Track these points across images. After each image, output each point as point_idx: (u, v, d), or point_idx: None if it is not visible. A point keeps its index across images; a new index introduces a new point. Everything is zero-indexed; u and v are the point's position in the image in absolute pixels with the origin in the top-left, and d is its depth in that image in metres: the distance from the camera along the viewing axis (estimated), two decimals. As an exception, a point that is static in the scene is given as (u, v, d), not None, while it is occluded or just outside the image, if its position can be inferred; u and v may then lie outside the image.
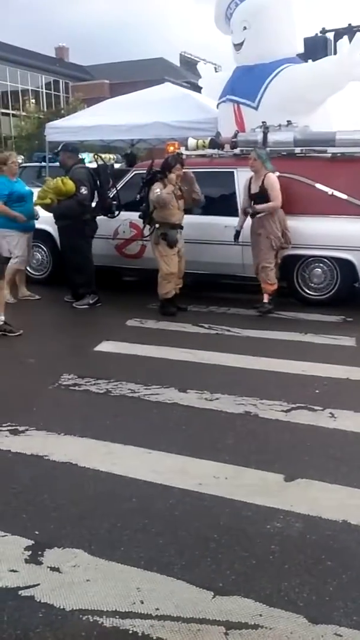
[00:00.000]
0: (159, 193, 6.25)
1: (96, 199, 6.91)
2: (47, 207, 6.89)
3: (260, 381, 4.56)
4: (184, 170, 6.46)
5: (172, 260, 6.48)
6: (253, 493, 2.95)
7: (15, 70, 41.69)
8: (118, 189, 7.23)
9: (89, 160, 7.90)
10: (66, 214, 6.77)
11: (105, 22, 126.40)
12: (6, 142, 38.66)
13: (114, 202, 7.04)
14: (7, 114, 40.59)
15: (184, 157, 6.83)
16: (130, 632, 2.09)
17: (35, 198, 6.97)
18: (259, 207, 6.37)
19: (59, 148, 7.31)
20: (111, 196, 7.06)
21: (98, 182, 6.86)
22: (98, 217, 7.01)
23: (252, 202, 6.46)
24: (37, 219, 7.18)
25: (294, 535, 2.63)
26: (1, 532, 2.66)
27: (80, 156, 7.36)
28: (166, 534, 2.64)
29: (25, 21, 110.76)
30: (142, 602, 2.22)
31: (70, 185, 6.63)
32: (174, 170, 6.35)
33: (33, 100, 41.83)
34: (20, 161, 18.73)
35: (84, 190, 6.68)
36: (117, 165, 12.46)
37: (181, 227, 6.51)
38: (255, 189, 6.44)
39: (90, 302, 6.95)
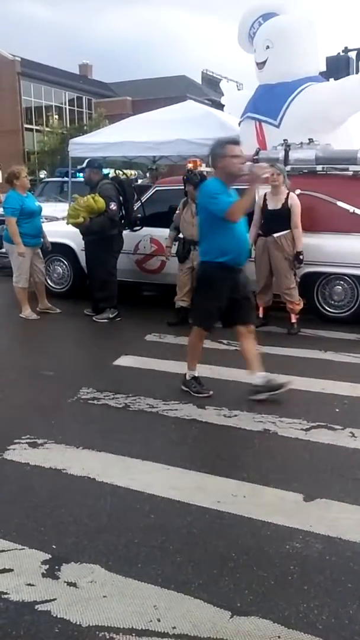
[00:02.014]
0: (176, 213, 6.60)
1: (121, 213, 6.98)
2: (79, 226, 6.93)
3: (279, 399, 4.52)
4: None
5: (181, 274, 6.66)
6: (272, 512, 2.93)
7: (40, 87, 42.34)
8: (142, 202, 7.31)
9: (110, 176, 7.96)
10: (98, 231, 6.83)
11: (128, 40, 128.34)
12: (29, 157, 39.26)
13: (139, 216, 7.09)
14: (31, 130, 41.20)
15: (204, 172, 6.90)
16: (147, 650, 2.07)
17: (66, 216, 7.05)
18: (298, 245, 6.28)
19: (84, 164, 7.39)
20: (135, 210, 7.12)
21: (122, 197, 6.93)
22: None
23: (267, 219, 6.44)
24: (48, 248, 7.26)
25: (314, 555, 2.59)
26: (19, 546, 2.66)
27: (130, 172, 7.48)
28: (184, 551, 2.62)
29: (50, 39, 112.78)
30: (159, 620, 2.20)
31: (101, 202, 6.71)
32: (188, 188, 6.55)
33: (56, 116, 42.42)
34: (43, 176, 18.93)
35: (113, 206, 6.77)
36: (139, 181, 12.57)
37: (196, 243, 6.52)
38: (275, 206, 6.40)
39: (110, 316, 6.97)
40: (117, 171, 8.03)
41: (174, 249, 6.88)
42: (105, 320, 6.94)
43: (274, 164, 6.60)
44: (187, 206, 6.60)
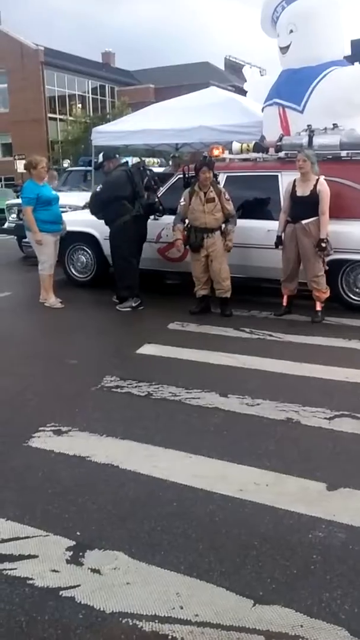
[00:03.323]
0: (180, 202, 6.63)
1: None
2: None
3: (302, 387, 4.50)
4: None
5: (196, 264, 6.67)
6: (295, 501, 2.92)
7: (63, 76, 42.35)
8: (162, 191, 7.29)
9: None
10: (114, 219, 6.88)
11: (150, 28, 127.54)
12: (53, 146, 39.39)
13: (154, 203, 7.01)
14: (55, 119, 41.29)
15: (226, 161, 6.86)
16: (170, 637, 2.09)
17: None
18: (323, 233, 6.21)
19: (99, 159, 7.40)
20: (156, 198, 7.08)
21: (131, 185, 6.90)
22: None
23: (295, 205, 6.37)
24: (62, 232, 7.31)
25: (337, 545, 2.58)
26: (43, 532, 2.69)
27: (124, 159, 7.44)
28: (206, 539, 2.63)
29: (72, 28, 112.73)
30: (181, 608, 2.22)
31: None
32: (201, 173, 6.45)
33: (80, 105, 42.42)
34: (66, 165, 18.99)
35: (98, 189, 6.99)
36: (160, 169, 12.53)
37: (209, 231, 6.51)
38: (303, 192, 6.31)
39: (133, 304, 6.99)
40: (134, 159, 8.03)
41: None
42: (129, 309, 6.96)
43: (302, 150, 6.51)
44: (194, 195, 6.55)
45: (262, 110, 8.96)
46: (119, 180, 6.90)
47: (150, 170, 7.30)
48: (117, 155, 7.51)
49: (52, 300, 7.11)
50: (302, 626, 2.13)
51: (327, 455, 3.44)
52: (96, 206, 7.02)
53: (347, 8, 8.28)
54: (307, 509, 2.85)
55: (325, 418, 3.92)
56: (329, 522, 2.74)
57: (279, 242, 6.50)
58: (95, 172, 10.70)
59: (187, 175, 6.98)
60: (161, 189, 7.40)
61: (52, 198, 7.09)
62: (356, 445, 3.56)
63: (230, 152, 7.65)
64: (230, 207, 6.50)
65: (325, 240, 6.21)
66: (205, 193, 6.49)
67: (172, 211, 7.05)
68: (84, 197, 9.52)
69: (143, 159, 7.49)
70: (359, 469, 3.25)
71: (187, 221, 6.66)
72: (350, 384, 4.56)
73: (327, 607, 2.22)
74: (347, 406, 4.09)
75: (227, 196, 6.49)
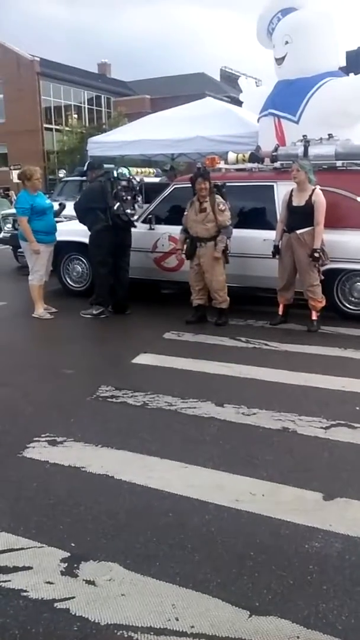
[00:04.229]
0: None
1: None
2: None
3: (298, 397, 4.50)
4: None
5: (190, 271, 6.76)
6: (291, 511, 2.90)
7: (59, 86, 42.56)
8: (157, 202, 7.30)
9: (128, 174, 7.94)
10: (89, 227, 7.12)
11: (146, 39, 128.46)
12: (49, 156, 39.50)
13: (119, 214, 6.93)
14: (51, 129, 41.44)
15: (222, 171, 6.87)
16: (165, 649, 2.07)
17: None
18: (317, 243, 6.22)
19: (85, 168, 7.55)
20: (122, 209, 7.00)
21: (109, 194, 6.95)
22: (139, 230, 7.10)
23: (291, 215, 6.39)
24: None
25: (333, 555, 2.57)
26: (38, 543, 2.67)
27: (121, 170, 7.41)
28: (202, 550, 2.61)
29: (68, 38, 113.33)
30: (177, 619, 2.20)
31: None
32: (196, 184, 6.50)
33: (75, 115, 42.58)
34: (62, 175, 19.08)
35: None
36: (156, 179, 12.56)
37: (201, 241, 6.54)
38: (299, 202, 6.34)
39: (94, 312, 7.05)
40: (130, 169, 8.00)
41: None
42: (89, 316, 7.01)
43: (296, 160, 6.54)
44: (192, 205, 6.59)
45: (258, 120, 9.01)
46: (92, 191, 7.09)
47: (130, 181, 7.29)
48: (102, 166, 7.54)
49: (40, 311, 7.08)
50: (298, 637, 2.11)
51: (323, 464, 3.42)
52: (77, 216, 7.31)
53: (342, 19, 8.36)
54: (304, 519, 2.83)
55: (322, 427, 3.91)
56: (325, 532, 2.72)
57: (276, 251, 6.51)
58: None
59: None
60: (138, 198, 7.46)
61: (47, 207, 7.10)
62: (352, 454, 3.55)
63: (226, 162, 7.68)
64: (222, 217, 6.48)
65: (318, 251, 6.22)
66: (200, 203, 6.52)
67: (167, 222, 7.09)
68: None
69: (124, 167, 7.42)
70: (355, 478, 3.24)
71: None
72: (346, 393, 4.56)
73: (324, 617, 2.21)
74: (344, 415, 4.08)
75: (221, 207, 6.47)
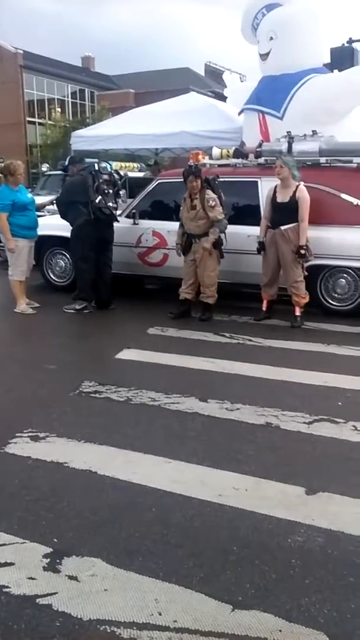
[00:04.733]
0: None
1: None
2: None
3: (282, 392, 4.51)
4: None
5: (184, 264, 6.76)
6: (274, 506, 2.92)
7: (42, 80, 42.15)
8: (142, 196, 7.27)
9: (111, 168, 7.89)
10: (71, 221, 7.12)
11: (131, 33, 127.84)
12: (32, 150, 39.17)
13: (101, 207, 6.89)
14: (34, 123, 41.06)
15: (206, 166, 6.86)
16: (148, 644, 2.07)
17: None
18: (302, 240, 6.24)
19: (66, 162, 7.50)
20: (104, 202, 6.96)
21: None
22: (122, 225, 7.06)
23: (275, 211, 6.40)
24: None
25: (316, 549, 2.58)
26: (20, 539, 2.65)
27: (104, 164, 7.38)
28: (185, 545, 2.61)
29: (52, 31, 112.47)
30: (160, 614, 2.20)
31: None
32: (188, 182, 6.50)
33: (59, 109, 42.26)
34: (45, 169, 18.92)
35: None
36: (140, 174, 12.53)
37: (195, 237, 6.55)
38: (283, 199, 6.35)
39: (77, 307, 7.02)
40: (114, 163, 8.00)
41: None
42: (72, 311, 6.98)
43: (280, 156, 6.55)
44: (185, 201, 6.60)
45: (240, 113, 8.99)
46: (73, 185, 7.03)
47: (112, 175, 7.26)
48: (83, 161, 7.50)
49: (22, 306, 7.02)
50: (280, 631, 2.12)
51: (306, 459, 3.44)
52: (58, 210, 7.25)
53: (327, 16, 8.39)
54: (287, 513, 2.85)
55: (305, 422, 3.93)
56: (308, 526, 2.74)
57: (261, 247, 6.52)
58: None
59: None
60: (121, 193, 7.42)
61: (28, 202, 7.04)
62: (335, 449, 3.57)
63: (210, 157, 7.67)
64: (212, 213, 6.46)
65: (304, 247, 6.25)
66: (192, 200, 6.52)
67: (151, 216, 7.06)
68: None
69: (107, 162, 7.39)
70: (337, 473, 3.26)
71: None
72: (329, 388, 4.59)
73: (306, 611, 2.22)
74: (326, 411, 4.11)
75: (211, 203, 6.43)
